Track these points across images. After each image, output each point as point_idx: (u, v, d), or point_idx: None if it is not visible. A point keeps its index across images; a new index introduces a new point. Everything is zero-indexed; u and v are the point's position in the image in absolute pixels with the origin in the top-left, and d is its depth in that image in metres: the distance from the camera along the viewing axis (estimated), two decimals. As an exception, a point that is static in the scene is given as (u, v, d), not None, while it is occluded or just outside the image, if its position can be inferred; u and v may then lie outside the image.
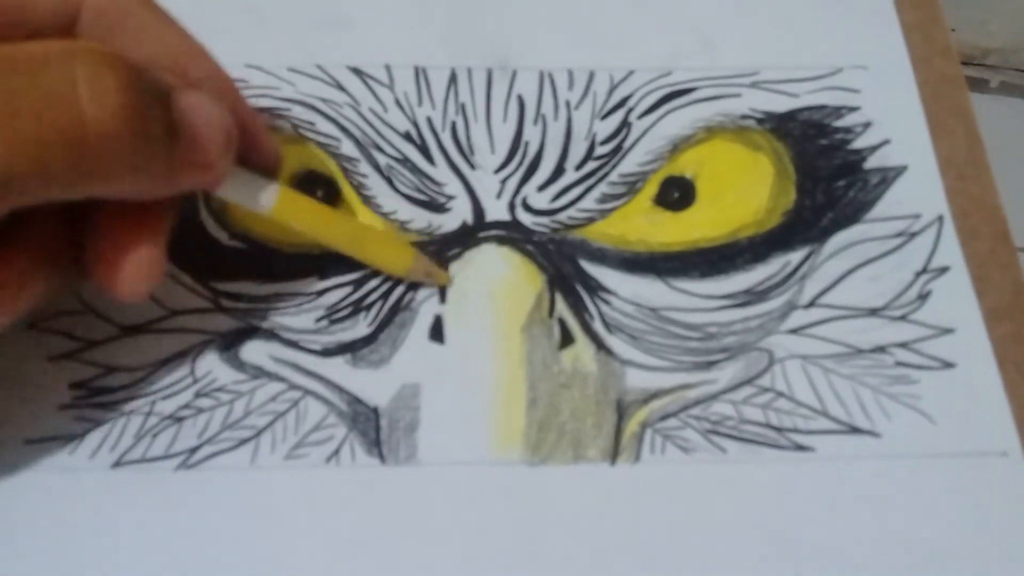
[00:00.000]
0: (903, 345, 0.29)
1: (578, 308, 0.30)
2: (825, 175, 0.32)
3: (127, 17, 0.25)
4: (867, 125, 0.34)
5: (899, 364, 0.29)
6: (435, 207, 0.31)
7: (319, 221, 0.29)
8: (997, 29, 0.98)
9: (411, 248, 0.30)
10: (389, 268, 0.30)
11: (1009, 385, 0.29)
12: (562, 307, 0.30)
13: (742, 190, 0.32)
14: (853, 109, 0.34)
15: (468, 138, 0.33)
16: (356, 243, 0.29)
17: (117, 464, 0.27)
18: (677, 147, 0.33)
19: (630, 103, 0.34)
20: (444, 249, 0.31)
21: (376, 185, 0.32)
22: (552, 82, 0.34)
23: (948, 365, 0.29)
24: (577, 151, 0.33)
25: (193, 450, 0.27)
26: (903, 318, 0.30)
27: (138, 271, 0.25)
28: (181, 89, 0.24)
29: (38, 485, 0.27)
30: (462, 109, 0.33)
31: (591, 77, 0.34)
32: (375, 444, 0.28)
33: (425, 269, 0.30)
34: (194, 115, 0.24)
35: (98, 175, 0.22)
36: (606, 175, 0.32)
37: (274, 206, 0.27)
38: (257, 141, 0.27)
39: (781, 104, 0.34)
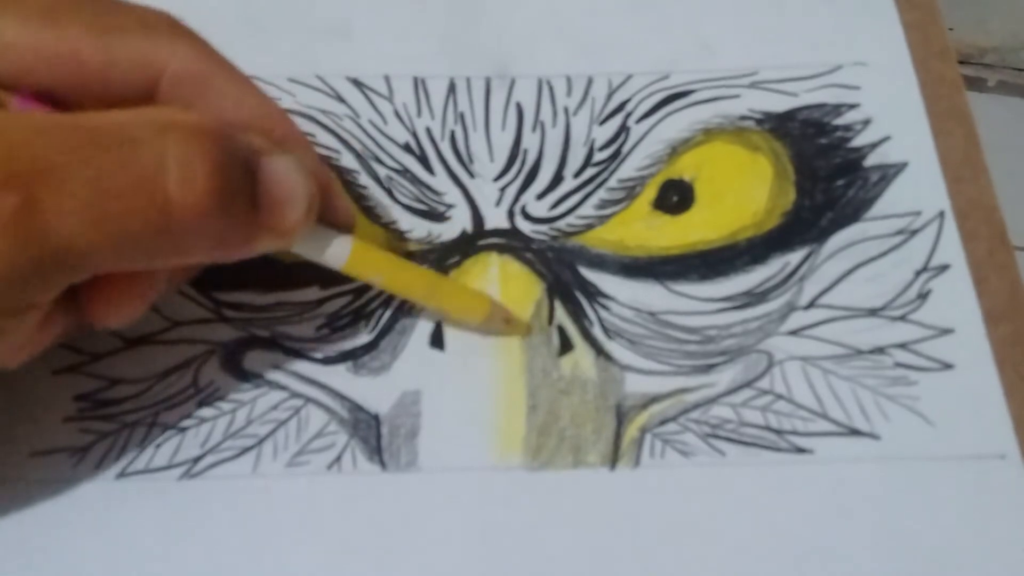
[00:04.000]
0: (902, 346, 0.29)
1: (577, 315, 0.30)
2: (824, 174, 0.32)
3: (208, 81, 0.25)
4: (867, 122, 0.33)
5: (898, 365, 0.29)
6: (435, 216, 0.32)
7: (393, 275, 0.28)
8: (995, 28, 0.98)
9: (486, 296, 0.30)
10: (464, 317, 0.29)
11: (1007, 387, 0.29)
12: (561, 314, 0.30)
13: (741, 192, 0.32)
14: (852, 106, 0.34)
15: (467, 147, 0.33)
16: (431, 294, 0.29)
17: (121, 475, 0.27)
18: (675, 150, 0.33)
19: (628, 107, 0.34)
20: (444, 258, 0.31)
21: (376, 196, 0.32)
22: (551, 89, 0.34)
23: (947, 366, 0.29)
24: (576, 158, 0.33)
25: (196, 459, 0.27)
26: (903, 318, 0.30)
27: (124, 309, 0.25)
28: (267, 154, 0.24)
29: (43, 497, 0.27)
30: (461, 118, 0.33)
31: (589, 82, 0.34)
32: (376, 451, 0.28)
33: (502, 316, 0.29)
34: (278, 184, 0.24)
35: (179, 252, 0.23)
36: (604, 181, 0.32)
37: (346, 262, 0.27)
38: (332, 199, 0.27)
39: (780, 104, 0.34)
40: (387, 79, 0.34)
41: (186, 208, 0.21)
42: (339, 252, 0.27)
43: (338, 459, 0.28)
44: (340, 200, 0.28)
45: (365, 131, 0.33)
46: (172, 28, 0.25)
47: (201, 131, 0.22)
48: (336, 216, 0.27)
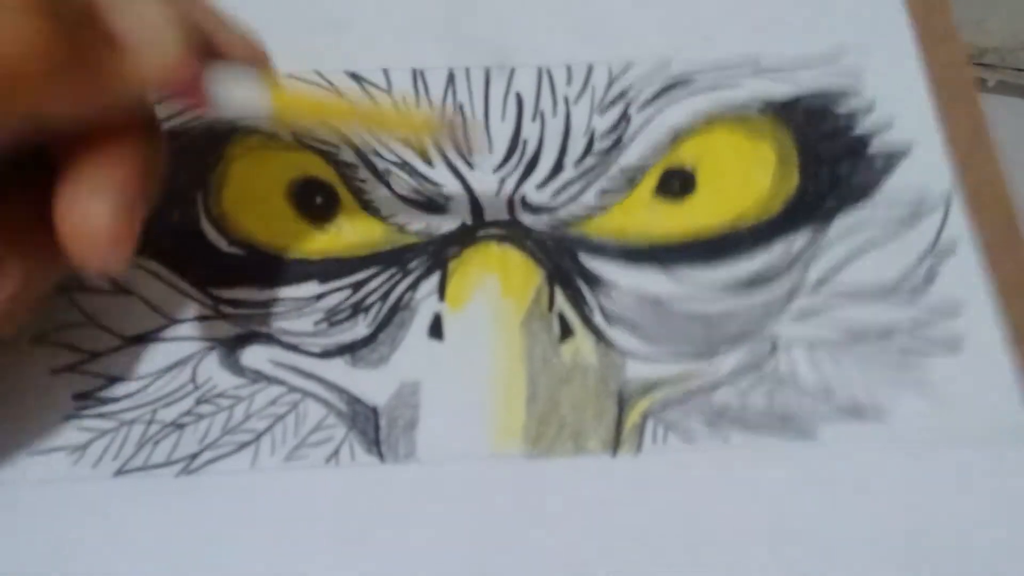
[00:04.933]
0: (909, 329, 0.29)
1: (577, 301, 0.30)
2: (828, 159, 0.32)
3: None
4: (870, 107, 0.33)
5: (905, 348, 0.29)
6: (434, 208, 0.31)
7: (325, 112, 0.27)
8: (995, 28, 0.97)
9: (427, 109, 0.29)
10: (415, 129, 0.28)
11: (1019, 367, 0.28)
12: (561, 301, 0.30)
13: (744, 178, 0.32)
14: (856, 92, 0.33)
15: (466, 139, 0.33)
16: (373, 118, 0.28)
17: (120, 472, 0.27)
18: (677, 138, 0.33)
19: (629, 95, 0.33)
20: (443, 249, 0.30)
21: (375, 189, 0.32)
22: (551, 77, 0.34)
23: (955, 348, 0.29)
24: (576, 147, 0.32)
25: (194, 456, 0.27)
26: (910, 301, 0.29)
27: (102, 230, 0.23)
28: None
29: (42, 495, 0.27)
30: (460, 109, 0.33)
31: (589, 71, 0.34)
32: (374, 443, 0.27)
33: (450, 120, 0.28)
34: (133, 17, 0.23)
35: (32, 106, 0.21)
36: (606, 169, 0.32)
37: (273, 109, 0.25)
38: (224, 41, 0.25)
39: (783, 90, 0.34)
40: (386, 72, 0.34)
41: (16, 58, 0.20)
42: (261, 100, 0.25)
43: (336, 452, 0.27)
44: (232, 34, 0.26)
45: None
46: None
47: None
48: (242, 58, 0.26)
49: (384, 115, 0.28)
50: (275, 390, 0.28)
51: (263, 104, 0.25)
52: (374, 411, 0.28)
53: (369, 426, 0.28)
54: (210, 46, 0.25)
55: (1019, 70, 1.01)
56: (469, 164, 0.32)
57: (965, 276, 0.30)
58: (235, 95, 0.25)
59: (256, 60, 0.26)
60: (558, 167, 0.32)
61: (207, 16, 0.26)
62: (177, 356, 0.29)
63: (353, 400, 0.28)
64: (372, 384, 0.28)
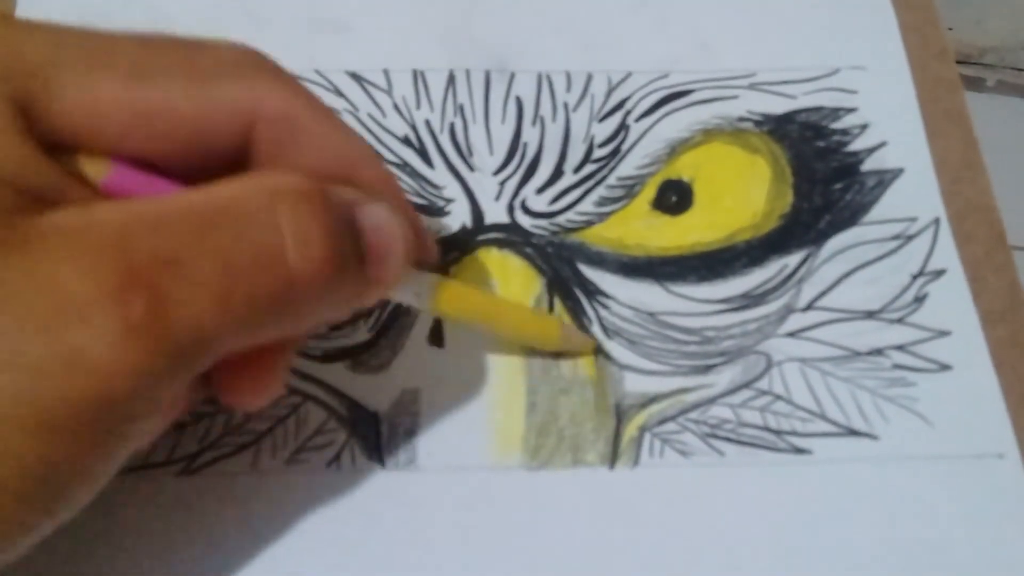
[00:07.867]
0: (900, 348, 0.30)
1: (576, 312, 0.30)
2: (822, 177, 0.33)
3: (300, 124, 0.24)
4: (864, 127, 0.34)
5: (896, 367, 0.29)
6: (434, 211, 0.31)
7: (477, 312, 0.28)
8: (994, 28, 0.98)
9: (555, 320, 0.29)
10: (541, 343, 0.29)
11: (1006, 387, 0.29)
12: (560, 311, 0.30)
13: (739, 193, 0.32)
14: (850, 110, 0.34)
15: (467, 140, 0.33)
16: (515, 328, 0.29)
17: (119, 471, 0.27)
18: (675, 150, 0.33)
19: (628, 105, 0.34)
20: (444, 252, 0.31)
21: (375, 189, 0.32)
22: (550, 84, 0.34)
23: (945, 367, 0.29)
24: (575, 153, 0.33)
25: (194, 456, 0.27)
26: (900, 321, 0.30)
27: (259, 386, 0.24)
28: (362, 205, 0.23)
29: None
30: (460, 111, 0.33)
31: (589, 79, 0.34)
32: (375, 449, 0.28)
33: (573, 337, 0.29)
34: (379, 234, 0.23)
35: (299, 319, 0.22)
36: (604, 178, 0.32)
37: (431, 304, 0.26)
38: (419, 239, 0.26)
39: (778, 106, 0.34)
40: (386, 73, 0.34)
41: (307, 277, 0.21)
42: (425, 293, 0.26)
43: (337, 457, 0.28)
44: (427, 240, 0.27)
45: (364, 125, 0.33)
46: (261, 67, 0.24)
47: (308, 195, 0.21)
48: (422, 256, 0.26)
49: (523, 324, 0.29)
50: (275, 392, 0.28)
51: (422, 300, 0.26)
52: (375, 417, 0.28)
53: (370, 432, 0.28)
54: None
55: (1019, 70, 1.02)
56: (469, 166, 0.32)
57: (954, 297, 0.31)
58: (403, 288, 0.25)
59: (432, 261, 0.27)
60: (557, 173, 0.32)
61: (412, 213, 0.26)
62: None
63: (354, 405, 0.28)
64: (373, 389, 0.28)
